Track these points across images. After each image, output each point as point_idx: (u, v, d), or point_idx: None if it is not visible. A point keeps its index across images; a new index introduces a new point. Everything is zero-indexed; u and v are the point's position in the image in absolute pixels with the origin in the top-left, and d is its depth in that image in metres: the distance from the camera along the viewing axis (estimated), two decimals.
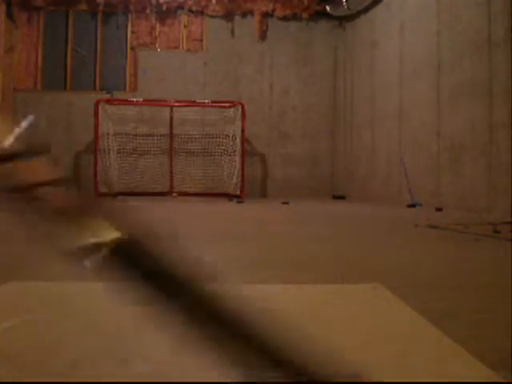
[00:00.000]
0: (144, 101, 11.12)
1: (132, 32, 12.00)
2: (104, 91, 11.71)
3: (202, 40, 12.12)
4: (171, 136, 11.55)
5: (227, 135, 11.47)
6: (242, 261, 2.41)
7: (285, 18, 12.20)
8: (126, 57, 11.96)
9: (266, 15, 12.18)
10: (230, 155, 11.37)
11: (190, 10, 12.03)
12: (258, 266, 2.23)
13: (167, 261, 0.48)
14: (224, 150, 11.52)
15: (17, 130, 0.50)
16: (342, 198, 11.50)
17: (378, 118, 10.13)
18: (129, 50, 11.98)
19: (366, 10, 10.75)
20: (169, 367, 0.99)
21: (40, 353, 1.06)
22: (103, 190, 10.76)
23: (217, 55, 12.10)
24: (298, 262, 2.41)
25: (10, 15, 11.16)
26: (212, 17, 12.09)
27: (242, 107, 11.02)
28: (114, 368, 0.98)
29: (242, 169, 10.96)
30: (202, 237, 3.48)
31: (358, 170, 11.12)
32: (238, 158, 11.10)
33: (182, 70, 11.99)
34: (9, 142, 0.48)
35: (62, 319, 1.32)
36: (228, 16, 12.12)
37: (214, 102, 11.33)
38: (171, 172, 11.43)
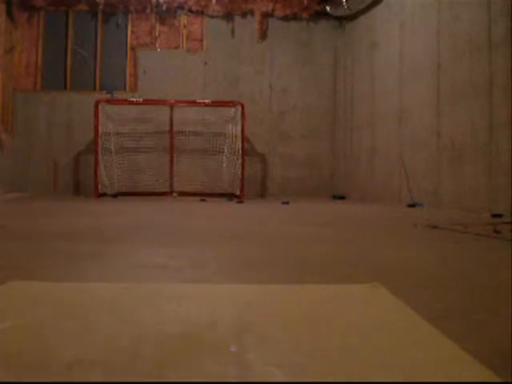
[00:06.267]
0: (144, 101, 11.12)
1: (132, 32, 12.00)
2: (104, 91, 11.72)
3: (202, 40, 12.13)
4: (171, 136, 11.56)
5: (227, 135, 11.48)
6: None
7: (285, 18, 12.21)
8: (126, 57, 11.97)
9: (266, 15, 12.18)
10: (229, 155, 11.37)
11: (190, 10, 12.03)
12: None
13: None
14: (224, 149, 11.52)
15: None
16: (343, 197, 11.50)
17: (378, 118, 10.13)
18: (129, 49, 11.98)
19: (366, 9, 10.75)
20: (167, 367, 0.99)
21: (39, 353, 1.06)
22: (103, 190, 10.76)
23: (217, 55, 12.10)
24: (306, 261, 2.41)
25: (10, 15, 11.16)
26: (212, 17, 12.10)
27: (242, 107, 11.03)
28: (113, 368, 0.99)
29: (242, 169, 10.96)
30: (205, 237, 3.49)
31: (358, 169, 11.13)
32: (237, 158, 11.10)
33: (182, 69, 12.00)
34: None
35: (61, 319, 1.32)
36: (228, 16, 12.13)
37: (214, 101, 11.33)
38: (171, 172, 11.44)
